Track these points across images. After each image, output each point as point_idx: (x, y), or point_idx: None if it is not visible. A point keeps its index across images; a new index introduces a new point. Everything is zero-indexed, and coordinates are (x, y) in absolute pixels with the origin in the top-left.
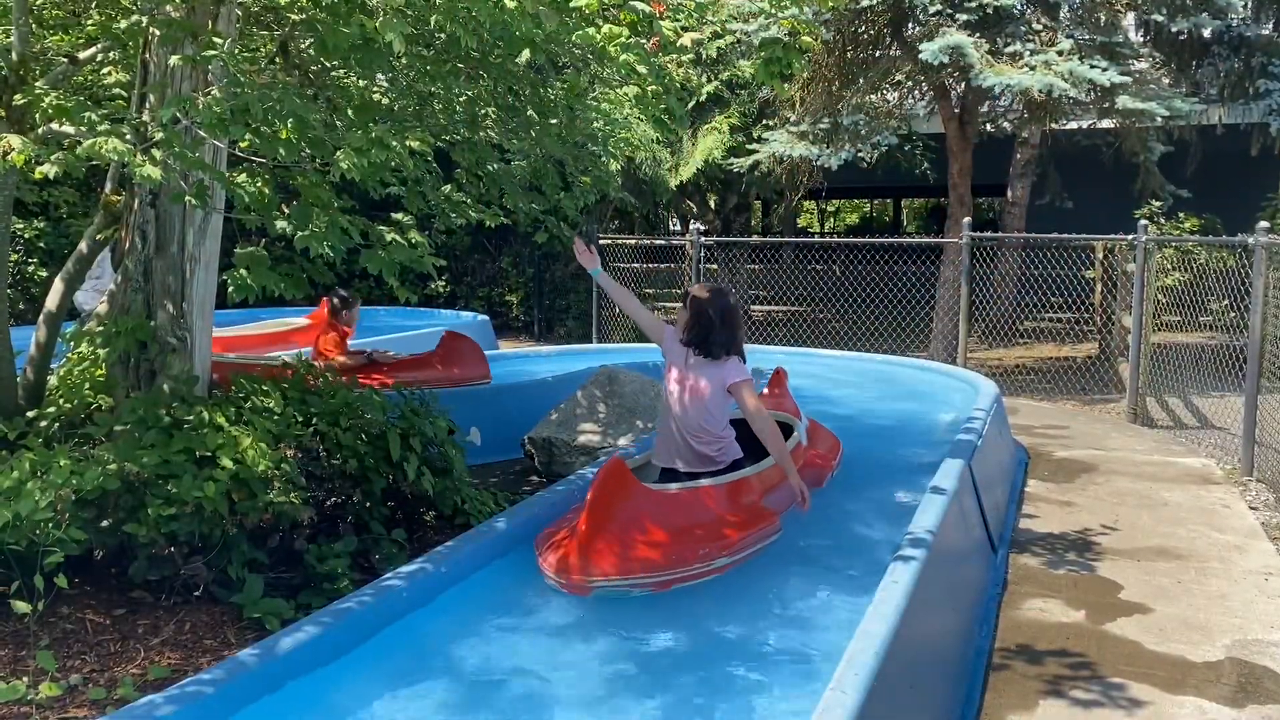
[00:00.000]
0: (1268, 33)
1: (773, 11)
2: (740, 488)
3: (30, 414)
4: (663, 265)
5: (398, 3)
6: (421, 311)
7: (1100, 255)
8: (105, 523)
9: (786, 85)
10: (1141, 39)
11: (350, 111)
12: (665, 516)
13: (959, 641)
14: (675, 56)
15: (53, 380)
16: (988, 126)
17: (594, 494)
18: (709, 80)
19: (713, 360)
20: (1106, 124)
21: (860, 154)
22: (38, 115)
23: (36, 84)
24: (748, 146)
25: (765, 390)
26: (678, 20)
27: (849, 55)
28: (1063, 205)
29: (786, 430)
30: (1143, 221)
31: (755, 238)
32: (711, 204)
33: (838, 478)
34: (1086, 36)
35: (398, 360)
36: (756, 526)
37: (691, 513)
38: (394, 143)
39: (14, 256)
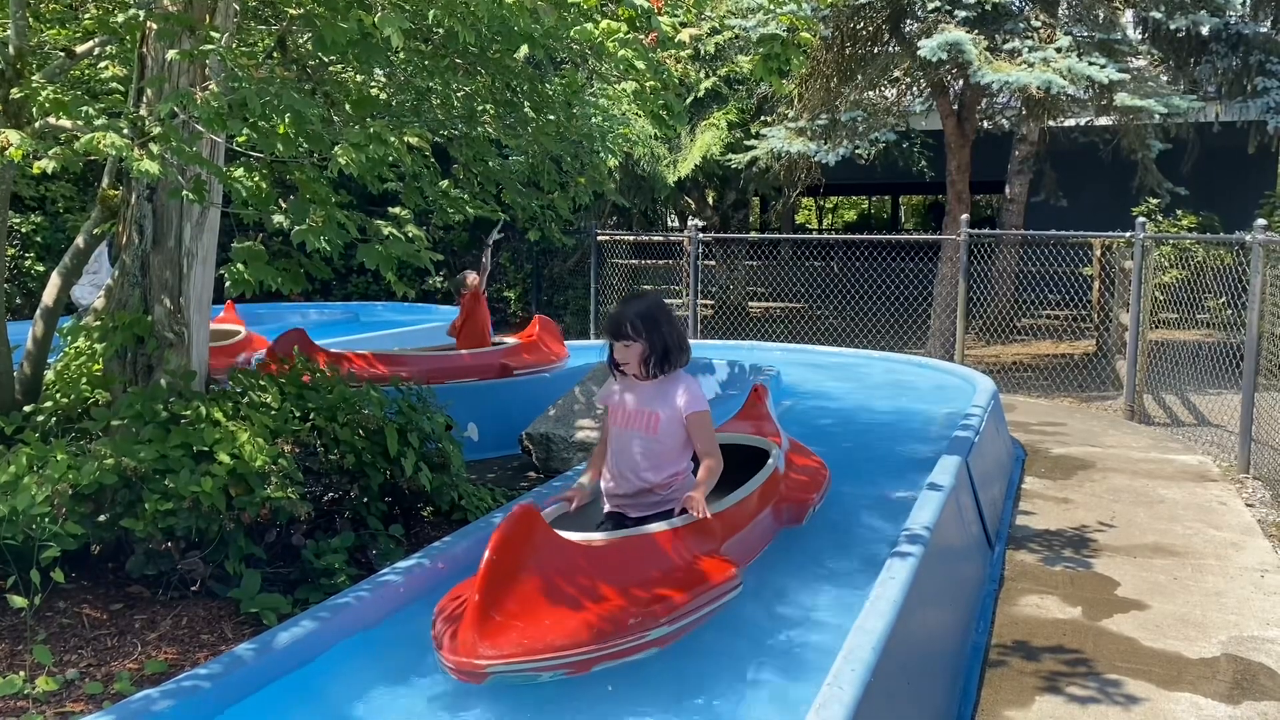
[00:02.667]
0: (1265, 30)
1: (771, 7)
2: (688, 534)
3: (27, 409)
4: (660, 261)
5: None
6: (419, 307)
7: (1098, 252)
8: (102, 518)
9: (785, 81)
10: (1140, 36)
11: (348, 106)
12: (587, 576)
13: (956, 637)
14: (673, 52)
15: (50, 375)
16: (986, 123)
17: (493, 550)
18: (707, 76)
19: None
20: (1105, 121)
21: (858, 150)
22: (35, 110)
23: (34, 78)
24: (746, 142)
25: (741, 410)
26: (676, 16)
27: (847, 51)
28: (1057, 203)
29: (762, 456)
30: (1140, 219)
31: (753, 234)
32: (710, 200)
33: (835, 477)
34: (1085, 33)
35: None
36: (708, 584)
37: (622, 570)
38: (392, 138)
39: (11, 251)
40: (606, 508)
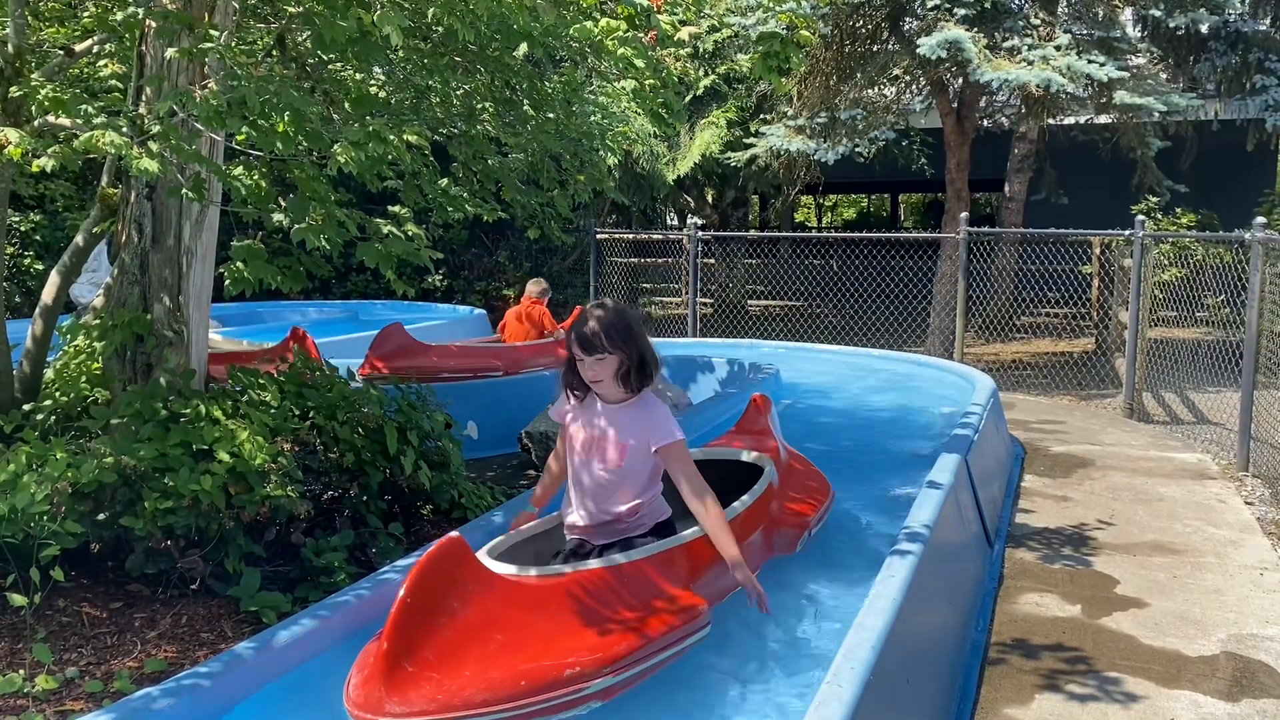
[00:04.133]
0: (1265, 28)
1: (771, 5)
2: (648, 568)
3: (26, 407)
4: (660, 260)
5: None
6: (419, 305)
7: (1097, 250)
8: (102, 516)
9: (784, 79)
10: (1139, 34)
11: (347, 105)
12: (520, 618)
13: (955, 635)
14: (672, 50)
15: (49, 374)
16: (985, 121)
17: (408, 589)
18: (706, 74)
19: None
20: (1104, 119)
21: (858, 149)
22: (34, 108)
23: (33, 76)
24: (745, 141)
25: (740, 423)
26: (675, 14)
27: (847, 49)
28: (1058, 201)
29: (755, 473)
30: (1140, 217)
31: (752, 232)
32: (709, 198)
33: (834, 476)
34: (1084, 31)
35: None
36: (666, 626)
37: (562, 611)
38: (391, 136)
39: (10, 250)
40: (568, 536)
